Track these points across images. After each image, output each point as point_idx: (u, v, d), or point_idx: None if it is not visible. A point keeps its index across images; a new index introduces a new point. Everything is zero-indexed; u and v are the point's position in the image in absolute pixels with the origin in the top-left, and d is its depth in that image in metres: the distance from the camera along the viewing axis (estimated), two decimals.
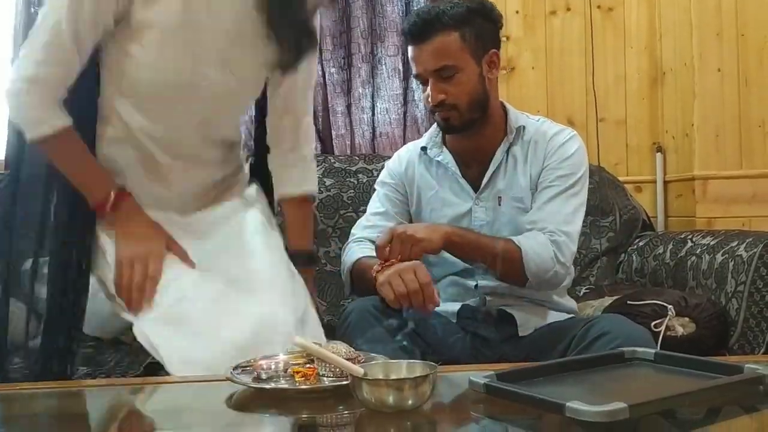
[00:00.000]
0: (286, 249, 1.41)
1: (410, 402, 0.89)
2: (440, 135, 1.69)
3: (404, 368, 0.97)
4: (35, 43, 1.21)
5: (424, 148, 1.70)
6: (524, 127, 1.64)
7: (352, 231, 1.75)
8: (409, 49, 1.58)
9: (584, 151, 1.64)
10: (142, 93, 1.27)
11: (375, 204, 1.75)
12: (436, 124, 1.70)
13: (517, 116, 1.66)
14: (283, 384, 0.97)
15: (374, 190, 1.78)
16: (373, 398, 0.89)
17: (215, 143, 1.40)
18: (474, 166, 1.65)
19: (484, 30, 1.57)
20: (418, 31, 1.54)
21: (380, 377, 0.93)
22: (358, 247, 1.67)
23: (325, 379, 0.96)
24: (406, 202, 1.71)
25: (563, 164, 1.59)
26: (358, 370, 0.93)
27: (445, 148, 1.67)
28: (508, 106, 1.67)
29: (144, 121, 1.29)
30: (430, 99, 1.56)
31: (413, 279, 1.42)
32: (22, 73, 1.21)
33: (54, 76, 1.21)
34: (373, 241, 1.64)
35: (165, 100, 1.28)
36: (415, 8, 2.39)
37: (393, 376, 0.94)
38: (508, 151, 1.63)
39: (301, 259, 1.37)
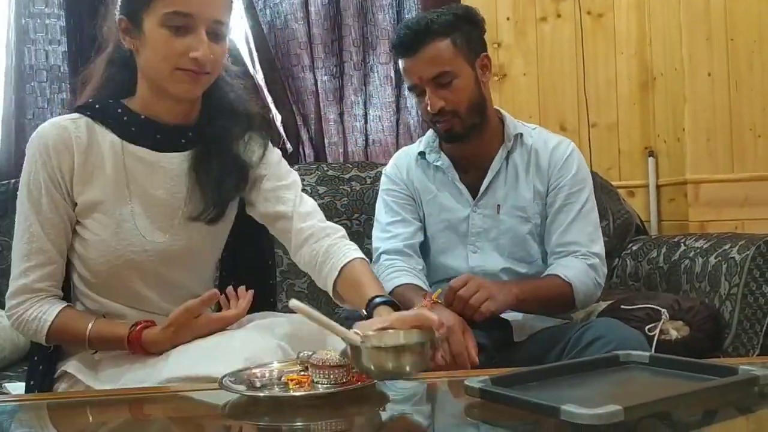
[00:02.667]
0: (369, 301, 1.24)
1: (408, 368, 0.90)
2: (437, 141, 1.68)
3: (402, 336, 0.98)
4: (17, 258, 1.22)
5: (421, 153, 1.70)
6: (522, 134, 1.64)
7: (375, 245, 1.70)
8: (401, 62, 1.58)
9: (584, 161, 1.67)
10: (95, 272, 1.25)
11: (388, 213, 1.70)
12: (432, 131, 1.69)
13: (514, 124, 1.66)
14: (276, 391, 0.97)
15: (369, 201, 1.77)
16: (374, 365, 0.90)
17: (187, 297, 1.25)
18: (471, 172, 1.65)
19: (472, 35, 1.58)
20: (410, 42, 1.54)
21: (378, 345, 0.94)
22: (392, 272, 1.61)
23: (319, 386, 0.96)
24: (415, 204, 1.70)
25: (573, 180, 1.60)
26: (355, 338, 0.93)
27: (442, 153, 1.67)
28: (504, 113, 1.68)
29: (103, 300, 1.27)
30: (429, 108, 1.54)
31: (461, 340, 1.34)
32: (17, 298, 1.22)
33: (43, 279, 1.22)
34: (399, 255, 1.63)
35: (116, 275, 1.24)
36: (405, 17, 2.41)
37: (391, 344, 0.95)
38: (507, 159, 1.63)
39: (388, 303, 1.28)
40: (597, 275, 1.55)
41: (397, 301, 1.50)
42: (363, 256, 1.29)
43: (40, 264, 1.21)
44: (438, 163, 1.67)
